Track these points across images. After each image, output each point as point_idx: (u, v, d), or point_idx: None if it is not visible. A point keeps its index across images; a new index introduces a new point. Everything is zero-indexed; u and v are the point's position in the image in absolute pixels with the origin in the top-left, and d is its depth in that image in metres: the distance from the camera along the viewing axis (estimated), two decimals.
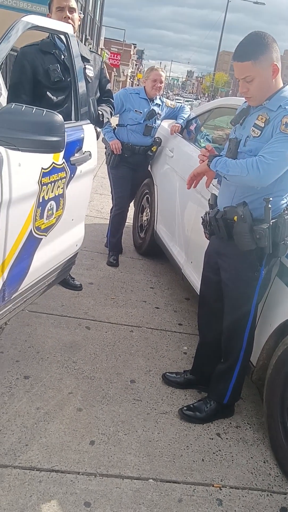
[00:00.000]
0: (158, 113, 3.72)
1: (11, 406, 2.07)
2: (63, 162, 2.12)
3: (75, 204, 2.39)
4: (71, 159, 2.20)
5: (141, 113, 3.64)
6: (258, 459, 2.08)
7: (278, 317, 2.03)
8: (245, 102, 2.10)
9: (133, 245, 4.34)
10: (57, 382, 2.28)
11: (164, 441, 2.06)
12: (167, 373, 2.47)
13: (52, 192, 2.06)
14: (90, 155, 2.41)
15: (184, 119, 3.77)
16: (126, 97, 3.65)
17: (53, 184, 2.05)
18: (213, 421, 2.23)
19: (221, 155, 2.07)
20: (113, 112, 3.10)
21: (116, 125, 3.78)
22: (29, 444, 1.89)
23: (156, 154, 3.86)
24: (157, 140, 3.82)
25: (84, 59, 2.64)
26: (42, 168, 1.93)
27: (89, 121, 2.49)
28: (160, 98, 3.79)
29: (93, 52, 2.96)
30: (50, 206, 2.09)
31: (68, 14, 2.56)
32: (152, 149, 3.80)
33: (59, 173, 2.09)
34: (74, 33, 2.44)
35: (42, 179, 1.94)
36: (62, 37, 2.31)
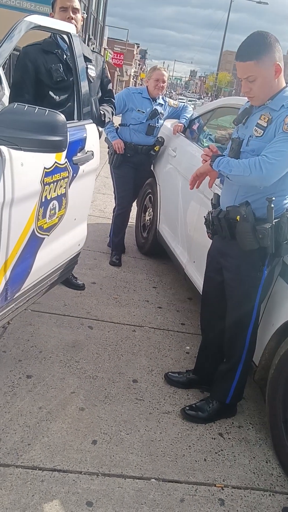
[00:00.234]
0: (160, 112, 3.72)
1: (14, 405, 2.07)
2: (66, 162, 2.12)
3: (77, 203, 2.39)
4: (73, 158, 2.20)
5: (144, 112, 3.64)
6: (260, 459, 2.07)
7: (280, 316, 2.03)
8: (248, 101, 2.09)
9: (136, 245, 4.34)
10: (60, 382, 2.28)
11: (166, 440, 2.06)
12: (170, 373, 2.47)
13: (54, 191, 2.06)
14: (92, 154, 2.41)
15: (187, 118, 3.77)
16: (129, 96, 3.65)
17: (55, 183, 2.05)
18: (215, 421, 2.23)
19: (224, 155, 2.07)
20: (114, 112, 3.11)
21: (119, 124, 3.79)
22: (32, 444, 1.89)
23: (158, 153, 3.86)
24: (160, 139, 3.81)
25: (86, 59, 2.64)
26: (45, 168, 1.93)
27: (91, 121, 2.49)
28: (163, 98, 3.79)
29: (95, 52, 2.97)
30: (52, 206, 2.09)
31: (71, 14, 2.56)
32: (155, 148, 3.80)
33: (61, 173, 2.10)
34: (77, 33, 2.44)
35: (45, 178, 1.94)
36: (65, 37, 2.31)
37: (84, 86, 2.39)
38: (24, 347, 2.49)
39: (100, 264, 3.78)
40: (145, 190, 4.22)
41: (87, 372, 2.40)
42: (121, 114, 3.75)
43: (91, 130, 2.43)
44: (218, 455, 2.04)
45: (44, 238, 2.11)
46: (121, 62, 35.83)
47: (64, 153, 2.05)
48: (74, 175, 2.25)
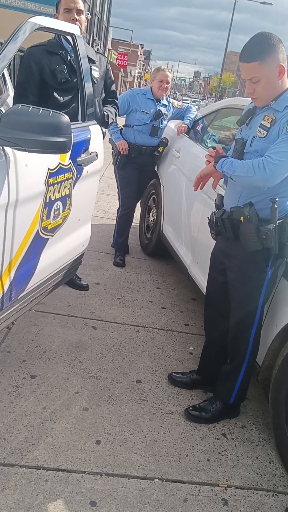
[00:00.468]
0: (164, 113, 3.72)
1: (18, 405, 2.08)
2: (70, 163, 2.13)
3: (81, 204, 2.40)
4: (77, 159, 2.21)
5: (148, 113, 3.65)
6: (263, 459, 2.07)
7: (284, 317, 2.03)
8: (252, 102, 2.09)
9: (140, 246, 4.35)
10: (64, 382, 2.29)
11: (169, 441, 2.06)
12: (173, 373, 2.48)
13: (58, 192, 2.07)
14: (96, 155, 2.42)
15: (190, 119, 3.77)
16: (133, 97, 3.66)
17: (59, 184, 2.06)
18: (218, 421, 2.23)
19: (227, 156, 2.07)
20: (117, 113, 3.12)
21: (123, 125, 3.79)
22: (36, 443, 1.90)
23: (162, 154, 3.87)
24: (164, 140, 3.82)
25: (90, 60, 2.66)
26: (49, 169, 1.94)
27: (95, 122, 2.50)
28: (166, 99, 3.80)
29: (99, 53, 2.98)
30: (56, 207, 2.10)
31: (75, 15, 2.57)
32: (159, 149, 3.81)
33: (65, 174, 2.11)
34: (81, 34, 2.45)
35: (49, 179, 1.95)
36: (69, 38, 2.32)
37: (88, 87, 2.40)
38: (28, 348, 2.50)
39: (104, 264, 3.79)
40: (149, 191, 4.22)
41: (91, 373, 2.40)
42: (125, 115, 3.76)
43: (95, 131, 2.44)
44: (221, 455, 2.05)
45: (48, 238, 2.12)
46: (125, 63, 35.87)
47: (68, 154, 2.06)
48: (78, 176, 2.26)
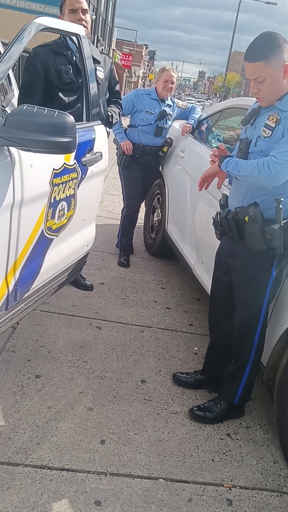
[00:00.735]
0: (169, 113, 3.72)
1: (23, 405, 2.09)
2: (75, 163, 2.14)
3: (86, 204, 2.41)
4: (82, 159, 2.22)
5: (152, 113, 3.65)
6: (268, 460, 2.07)
7: None
8: (256, 102, 2.09)
9: (144, 246, 4.35)
10: (68, 382, 2.29)
11: (174, 441, 2.06)
12: (178, 373, 2.48)
13: (63, 192, 2.08)
14: (101, 155, 2.42)
15: (195, 119, 3.77)
16: (137, 98, 3.66)
17: (64, 184, 2.06)
18: (223, 422, 2.23)
19: (232, 156, 2.07)
20: (121, 113, 3.13)
21: (128, 126, 3.80)
22: (41, 443, 1.90)
23: (167, 154, 3.87)
24: (168, 140, 3.82)
25: (95, 61, 2.66)
26: (54, 169, 1.95)
27: (100, 122, 2.50)
28: (171, 99, 3.80)
29: (103, 53, 2.98)
30: (61, 207, 2.10)
31: (81, 16, 2.57)
32: (163, 149, 3.81)
33: (70, 174, 2.11)
34: (87, 34, 2.45)
35: (54, 179, 1.95)
36: (74, 38, 2.32)
37: (93, 88, 2.41)
38: (33, 347, 2.51)
39: (108, 264, 3.79)
40: (154, 191, 4.23)
41: (95, 372, 2.41)
42: (129, 116, 3.76)
43: (99, 131, 2.44)
44: (226, 455, 2.04)
45: (53, 238, 2.12)
46: (129, 63, 35.87)
47: (73, 154, 2.06)
48: (83, 176, 2.27)
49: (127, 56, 35.76)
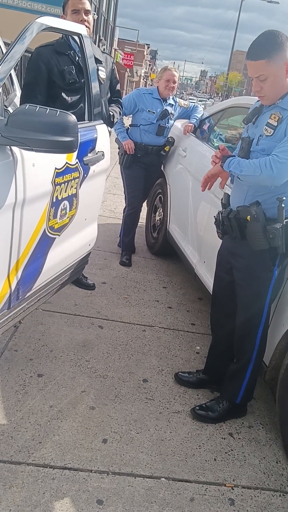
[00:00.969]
0: (171, 113, 3.72)
1: (25, 404, 2.09)
2: (77, 162, 2.14)
3: (88, 204, 2.41)
4: (84, 159, 2.22)
5: (154, 113, 3.65)
6: (270, 459, 2.07)
7: None
8: (258, 101, 2.09)
9: (146, 245, 4.35)
10: (70, 381, 2.30)
11: (176, 440, 2.06)
12: (180, 373, 2.48)
13: (65, 192, 2.08)
14: (103, 155, 2.42)
15: (197, 118, 3.77)
16: (139, 97, 3.66)
17: (66, 184, 2.07)
18: (225, 421, 2.23)
19: (234, 155, 2.06)
20: (121, 112, 3.14)
21: (129, 125, 3.80)
22: (43, 442, 1.91)
23: (169, 154, 3.87)
24: (170, 140, 3.82)
25: (97, 61, 2.66)
26: (56, 168, 1.95)
27: (102, 122, 2.50)
28: (173, 98, 3.79)
29: (105, 53, 2.99)
30: (63, 206, 2.11)
31: (84, 16, 2.58)
32: (165, 149, 3.81)
33: (72, 173, 2.11)
34: (89, 35, 2.45)
35: (56, 179, 1.96)
36: (76, 38, 2.33)
37: (95, 87, 2.41)
38: (35, 346, 2.51)
39: (110, 264, 3.80)
40: (155, 190, 4.22)
41: (97, 372, 2.41)
42: (131, 115, 3.76)
43: (101, 131, 2.44)
44: (228, 455, 2.04)
45: (55, 238, 2.12)
46: (131, 62, 35.89)
47: (75, 153, 2.07)
48: (85, 175, 2.27)
49: (129, 56, 35.77)
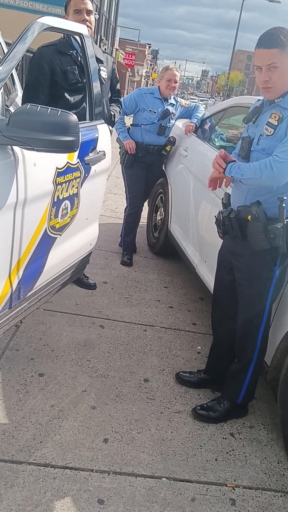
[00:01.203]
0: (172, 112, 3.72)
1: (26, 403, 2.09)
2: (78, 162, 2.14)
3: (89, 203, 2.41)
4: (85, 158, 2.22)
5: (155, 113, 3.65)
6: (272, 460, 2.06)
7: None
8: (259, 100, 2.09)
9: (147, 245, 4.35)
10: (71, 380, 2.30)
11: (177, 440, 2.06)
12: (181, 373, 2.47)
13: (66, 191, 2.08)
14: (104, 154, 2.42)
15: (198, 118, 3.76)
16: (141, 97, 3.66)
17: (67, 183, 2.07)
18: (226, 421, 2.23)
19: (235, 160, 2.06)
20: (120, 111, 3.17)
21: (131, 125, 3.80)
22: (44, 441, 1.91)
23: (170, 153, 3.86)
24: (171, 139, 3.82)
25: (98, 60, 2.67)
26: (57, 168, 1.95)
27: (103, 121, 2.50)
28: (174, 98, 3.79)
29: (105, 53, 2.99)
30: (64, 206, 2.11)
31: (86, 16, 2.58)
32: (166, 148, 3.80)
33: (73, 173, 2.11)
34: (90, 35, 2.46)
35: (57, 178, 1.96)
36: (77, 38, 2.33)
37: (96, 87, 2.41)
38: (36, 346, 2.51)
39: (111, 263, 3.80)
40: (157, 190, 4.22)
41: (98, 371, 2.41)
42: (132, 115, 3.76)
43: (103, 131, 2.44)
44: (229, 455, 2.04)
45: (56, 237, 2.12)
46: (132, 62, 35.89)
47: (76, 153, 2.07)
48: (86, 175, 2.27)
49: (130, 55, 35.76)
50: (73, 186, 2.13)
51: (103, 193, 2.76)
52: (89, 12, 2.61)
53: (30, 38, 1.79)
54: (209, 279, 2.86)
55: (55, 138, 1.59)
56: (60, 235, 2.16)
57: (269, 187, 1.91)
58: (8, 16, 10.03)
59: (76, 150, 1.77)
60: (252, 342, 2.10)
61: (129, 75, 37.89)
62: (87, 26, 2.47)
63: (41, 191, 1.87)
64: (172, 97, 3.75)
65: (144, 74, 54.38)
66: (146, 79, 57.17)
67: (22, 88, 3.12)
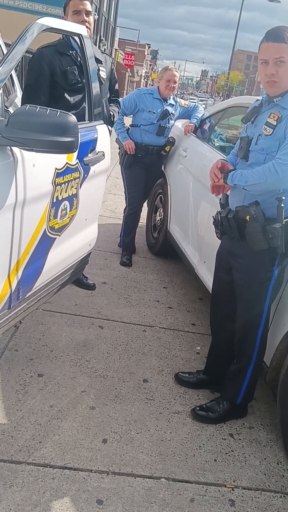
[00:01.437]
0: (171, 113, 3.72)
1: (25, 403, 2.09)
2: (77, 163, 2.14)
3: (88, 204, 2.41)
4: (84, 159, 2.22)
5: (155, 113, 3.65)
6: (271, 460, 2.06)
7: None
8: (257, 100, 2.09)
9: (146, 245, 4.35)
10: (70, 381, 2.30)
11: (176, 440, 2.06)
12: (180, 373, 2.48)
13: (65, 192, 2.08)
14: (103, 155, 2.42)
15: (198, 118, 3.76)
16: (140, 97, 3.66)
17: (66, 184, 2.07)
18: (225, 422, 2.23)
19: (235, 169, 2.04)
20: (119, 111, 3.18)
21: (130, 125, 3.80)
22: (43, 441, 1.91)
23: (169, 154, 3.87)
24: (171, 140, 3.82)
25: (97, 61, 2.67)
26: (56, 169, 1.95)
27: (102, 122, 2.50)
28: (174, 98, 3.79)
29: (104, 53, 3.00)
30: (63, 206, 2.11)
31: (85, 17, 2.58)
32: (166, 149, 3.80)
33: (72, 173, 2.11)
34: (90, 35, 2.46)
35: (56, 179, 1.96)
36: (76, 38, 2.33)
37: (96, 87, 2.41)
38: (35, 346, 2.52)
39: (110, 264, 3.80)
40: (156, 190, 4.22)
41: (97, 372, 2.41)
42: (131, 115, 3.76)
43: (102, 131, 2.45)
44: (229, 455, 2.04)
45: (55, 238, 2.12)
46: (132, 62, 35.88)
47: (75, 154, 2.07)
48: (85, 175, 2.27)
49: (129, 56, 35.76)
50: (72, 186, 2.14)
51: (102, 193, 2.76)
52: (88, 13, 2.61)
53: (29, 39, 1.79)
54: (208, 280, 2.86)
55: (54, 139, 1.60)
56: (59, 235, 2.16)
57: (274, 190, 1.90)
58: (8, 16, 10.03)
59: (75, 151, 1.77)
60: (251, 343, 2.10)
61: (128, 76, 37.89)
62: (86, 27, 2.47)
63: (40, 192, 1.87)
64: (171, 97, 3.75)
65: (143, 74, 54.40)
66: (145, 80, 57.18)
67: (22, 88, 3.13)
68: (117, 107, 3.10)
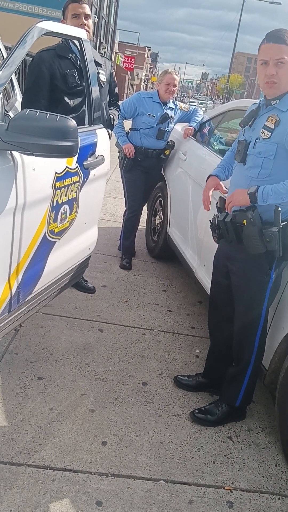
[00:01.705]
0: (171, 116, 3.73)
1: (25, 406, 2.10)
2: (77, 167, 2.15)
3: (88, 207, 2.42)
4: (84, 163, 2.23)
5: (154, 117, 3.67)
6: (269, 463, 2.07)
7: None
8: (255, 103, 2.10)
9: (146, 248, 4.36)
10: (70, 384, 2.31)
11: (175, 443, 2.07)
12: (179, 376, 2.48)
13: (65, 196, 2.10)
14: (103, 159, 2.44)
15: (197, 122, 3.78)
16: (140, 101, 3.68)
17: (66, 188, 2.08)
18: (224, 424, 2.23)
19: (258, 186, 1.91)
20: (119, 115, 3.20)
21: (130, 129, 3.81)
22: (43, 444, 1.92)
23: (169, 157, 3.88)
24: (170, 143, 3.83)
25: (97, 64, 2.69)
26: (56, 173, 1.97)
27: (102, 126, 2.52)
28: (173, 102, 3.81)
29: (104, 56, 3.02)
30: (63, 210, 2.12)
31: (84, 20, 2.60)
32: (165, 152, 3.82)
33: (72, 177, 2.13)
34: (89, 39, 2.47)
35: (56, 183, 1.97)
36: (76, 42, 2.34)
37: (95, 91, 2.43)
38: (35, 349, 2.53)
39: (110, 267, 3.81)
40: (155, 193, 4.24)
41: (97, 375, 2.42)
42: (131, 119, 3.78)
43: (101, 135, 2.46)
44: (227, 458, 2.05)
45: (55, 242, 2.14)
46: (132, 65, 35.96)
47: (75, 158, 2.08)
48: (85, 179, 2.28)
49: (129, 59, 35.83)
50: (72, 190, 2.15)
51: (102, 197, 2.78)
52: (87, 16, 2.63)
53: (29, 43, 1.80)
54: (207, 283, 2.87)
55: (54, 143, 1.61)
56: (59, 239, 2.17)
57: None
58: (8, 20, 10.07)
59: (75, 155, 1.79)
60: (250, 346, 2.11)
61: (128, 79, 37.96)
62: (86, 30, 2.49)
63: (40, 196, 1.88)
64: (171, 101, 3.77)
65: (143, 77, 54.48)
66: (145, 83, 57.28)
67: (22, 92, 3.14)
68: (117, 110, 3.12)
